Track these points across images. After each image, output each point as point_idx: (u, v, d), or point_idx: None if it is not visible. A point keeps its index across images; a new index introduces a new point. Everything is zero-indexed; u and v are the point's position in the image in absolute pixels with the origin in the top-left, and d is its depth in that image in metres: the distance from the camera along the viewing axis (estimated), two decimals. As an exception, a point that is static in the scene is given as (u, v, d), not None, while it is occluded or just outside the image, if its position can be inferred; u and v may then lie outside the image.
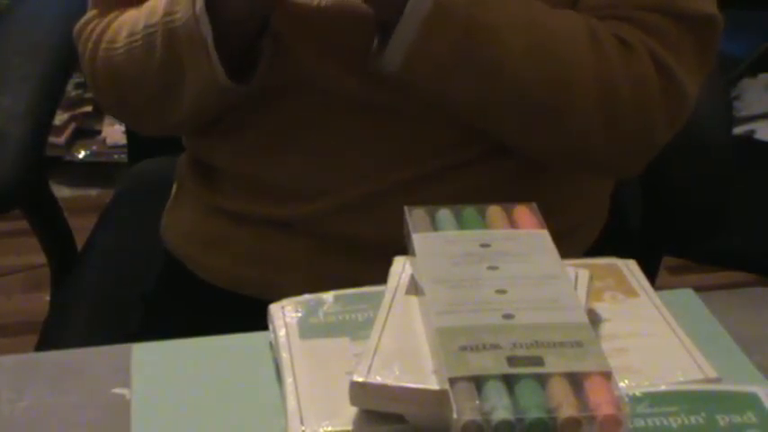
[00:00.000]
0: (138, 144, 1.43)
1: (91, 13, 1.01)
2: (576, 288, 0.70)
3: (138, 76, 0.96)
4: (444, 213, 0.75)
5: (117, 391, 0.72)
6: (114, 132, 2.56)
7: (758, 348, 0.74)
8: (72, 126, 2.59)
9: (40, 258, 1.27)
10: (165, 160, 1.21)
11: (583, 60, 0.89)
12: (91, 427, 0.70)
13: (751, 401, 0.63)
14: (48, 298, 1.24)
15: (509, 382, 0.59)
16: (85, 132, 2.63)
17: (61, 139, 2.54)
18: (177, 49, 0.91)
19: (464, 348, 0.61)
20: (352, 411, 0.64)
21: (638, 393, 0.63)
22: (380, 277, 0.73)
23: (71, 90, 2.56)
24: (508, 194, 0.82)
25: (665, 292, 0.76)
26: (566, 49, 0.89)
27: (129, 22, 0.96)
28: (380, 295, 0.71)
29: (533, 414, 0.57)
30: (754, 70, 2.40)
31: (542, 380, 0.59)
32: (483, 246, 0.71)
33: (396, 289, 0.71)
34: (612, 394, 0.58)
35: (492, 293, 0.66)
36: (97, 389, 0.72)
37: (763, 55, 2.39)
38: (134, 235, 1.22)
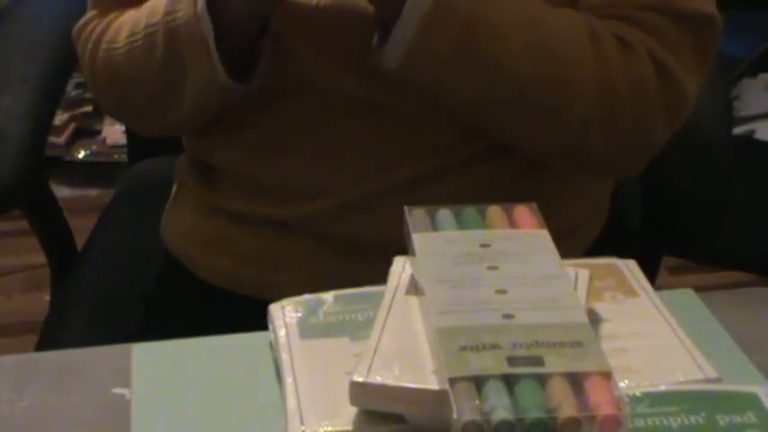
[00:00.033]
0: (138, 144, 1.43)
1: (90, 13, 1.01)
2: (576, 288, 0.69)
3: (138, 76, 0.96)
4: (444, 213, 0.75)
5: (117, 391, 0.72)
6: (114, 132, 2.56)
7: (758, 348, 0.74)
8: (72, 126, 2.59)
9: (40, 258, 1.27)
10: (165, 160, 1.20)
11: (582, 59, 0.89)
12: (91, 427, 0.70)
13: (751, 401, 0.63)
14: (48, 298, 1.24)
15: (509, 382, 0.59)
16: (85, 132, 2.63)
17: (61, 139, 2.54)
18: (178, 48, 0.91)
19: (464, 348, 0.61)
20: (352, 411, 0.64)
21: (638, 393, 0.63)
22: (380, 277, 0.73)
23: (71, 90, 2.56)
24: (508, 194, 0.82)
25: (665, 292, 0.76)
26: (565, 48, 0.89)
27: (129, 22, 0.96)
28: (380, 295, 0.71)
29: (533, 414, 0.57)
30: (754, 70, 2.40)
31: (542, 380, 0.59)
32: (483, 246, 0.71)
33: (396, 289, 0.71)
34: (612, 394, 0.58)
35: (492, 293, 0.66)
36: (97, 389, 0.72)
37: (763, 55, 2.39)
38: (134, 235, 1.22)
